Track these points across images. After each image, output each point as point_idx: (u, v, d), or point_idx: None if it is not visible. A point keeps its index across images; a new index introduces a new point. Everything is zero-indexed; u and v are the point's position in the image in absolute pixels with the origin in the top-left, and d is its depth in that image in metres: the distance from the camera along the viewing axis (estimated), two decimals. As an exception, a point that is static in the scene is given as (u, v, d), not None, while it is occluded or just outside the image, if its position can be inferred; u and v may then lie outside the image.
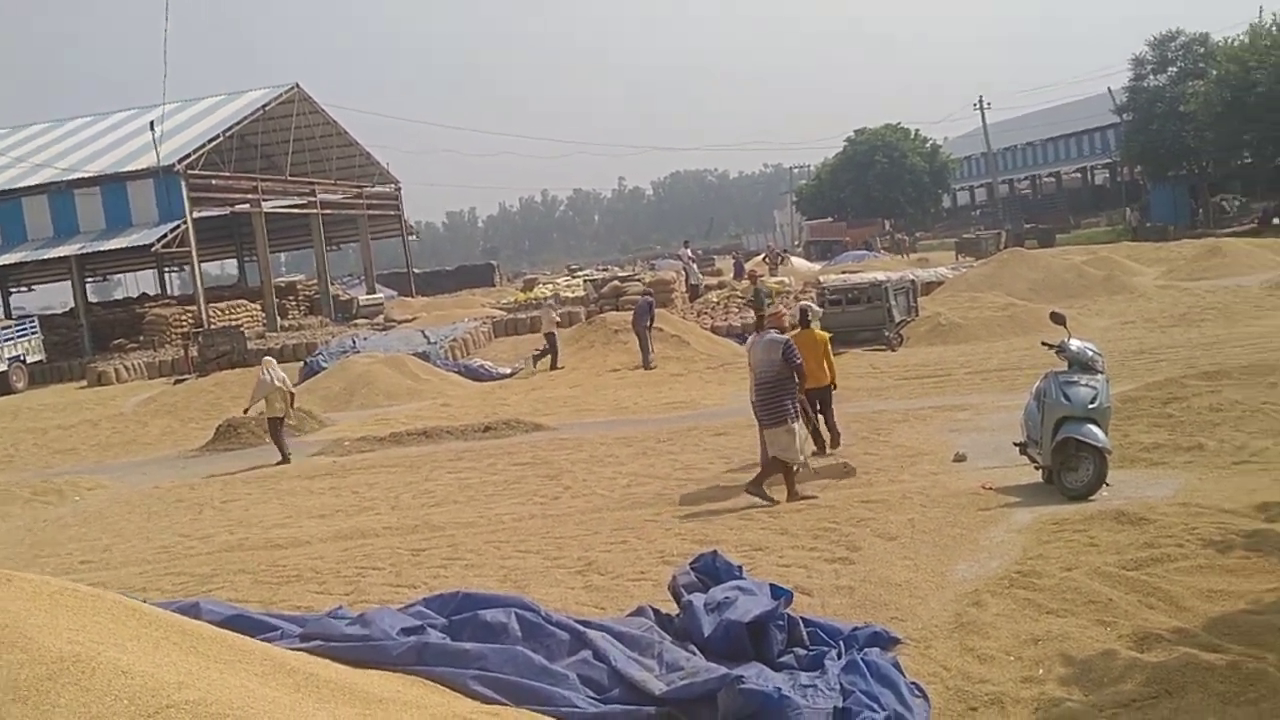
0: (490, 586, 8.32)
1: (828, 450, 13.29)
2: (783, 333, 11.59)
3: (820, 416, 13.36)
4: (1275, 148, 52.50)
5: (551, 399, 21.92)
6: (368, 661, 5.94)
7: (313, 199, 51.56)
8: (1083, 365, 10.29)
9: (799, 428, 11.25)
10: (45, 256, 43.66)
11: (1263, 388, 12.67)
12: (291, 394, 18.52)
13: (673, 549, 9.24)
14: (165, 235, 41.16)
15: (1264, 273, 29.81)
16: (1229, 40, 57.68)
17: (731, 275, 45.18)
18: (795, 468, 11.13)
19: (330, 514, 12.87)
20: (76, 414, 27.63)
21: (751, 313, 26.99)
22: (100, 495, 16.26)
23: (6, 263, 44.29)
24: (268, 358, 19.75)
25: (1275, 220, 50.64)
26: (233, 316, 43.07)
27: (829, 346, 13.81)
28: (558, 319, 29.00)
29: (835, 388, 13.84)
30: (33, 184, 43.79)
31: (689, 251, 50.04)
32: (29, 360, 36.82)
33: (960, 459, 11.93)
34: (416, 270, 68.17)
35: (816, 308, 16.40)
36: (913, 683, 5.97)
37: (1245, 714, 5.17)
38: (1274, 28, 52.95)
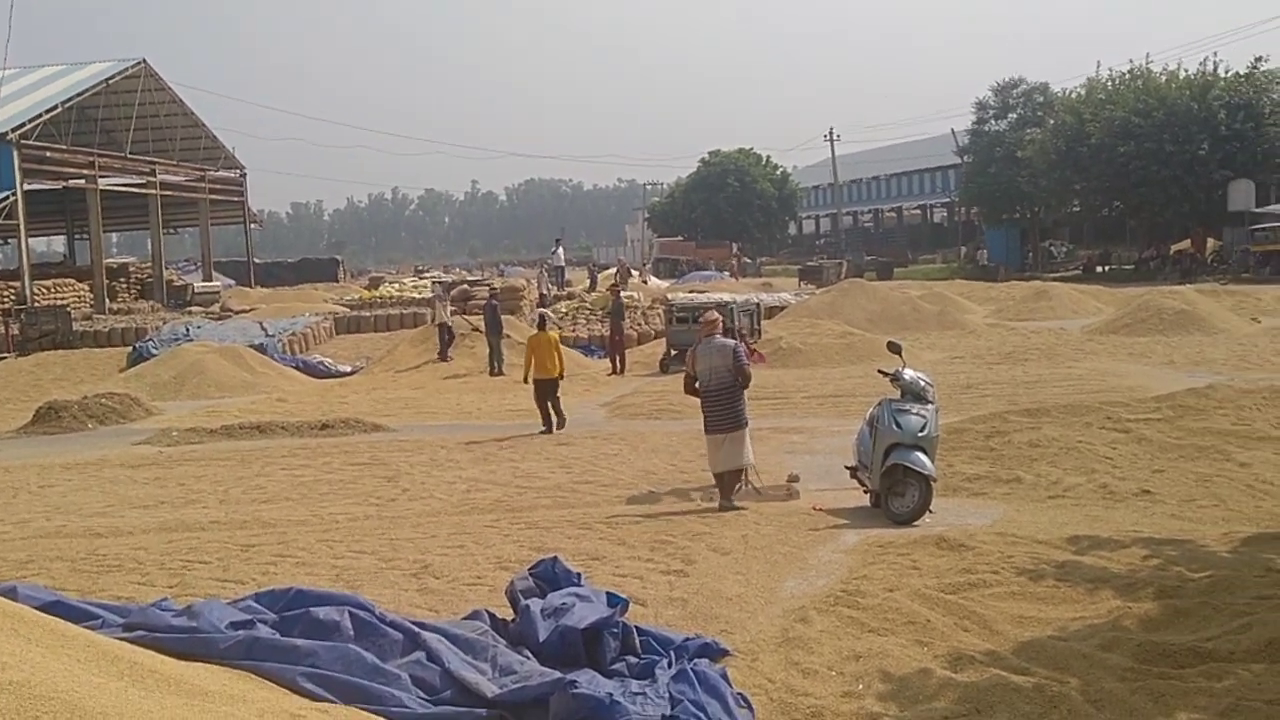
0: (322, 585, 8.17)
1: (554, 430, 16.65)
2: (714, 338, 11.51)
3: (549, 402, 16.85)
4: (1103, 199, 55.40)
5: (392, 400, 21.64)
6: (194, 654, 5.79)
7: (153, 179, 49.73)
8: (915, 394, 10.71)
9: (749, 432, 11.39)
10: None
11: (1079, 426, 13.37)
12: None
13: (510, 555, 9.25)
14: (-9, 206, 39.16)
15: (1086, 317, 31.45)
16: (1067, 91, 60.83)
17: (587, 287, 45.37)
18: (743, 477, 11.34)
19: (155, 505, 12.45)
20: (-120, 387, 26.03)
21: (607, 324, 27.17)
22: (-96, 474, 15.37)
23: None
24: None
25: (1099, 268, 53.43)
26: (59, 295, 41.21)
27: (559, 345, 17.57)
28: (452, 309, 28.57)
29: (563, 378, 17.35)
30: None
31: (562, 251, 50.01)
32: None
33: (794, 480, 12.23)
34: (257, 260, 66.25)
35: (551, 314, 21.23)
36: (739, 693, 6.13)
37: (1047, 734, 5.46)
38: (1109, 83, 55.94)
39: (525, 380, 17.54)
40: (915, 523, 10.10)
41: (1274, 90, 50.70)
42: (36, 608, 5.97)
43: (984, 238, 64.48)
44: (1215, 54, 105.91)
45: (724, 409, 11.22)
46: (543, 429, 16.82)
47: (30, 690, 3.67)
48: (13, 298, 39.12)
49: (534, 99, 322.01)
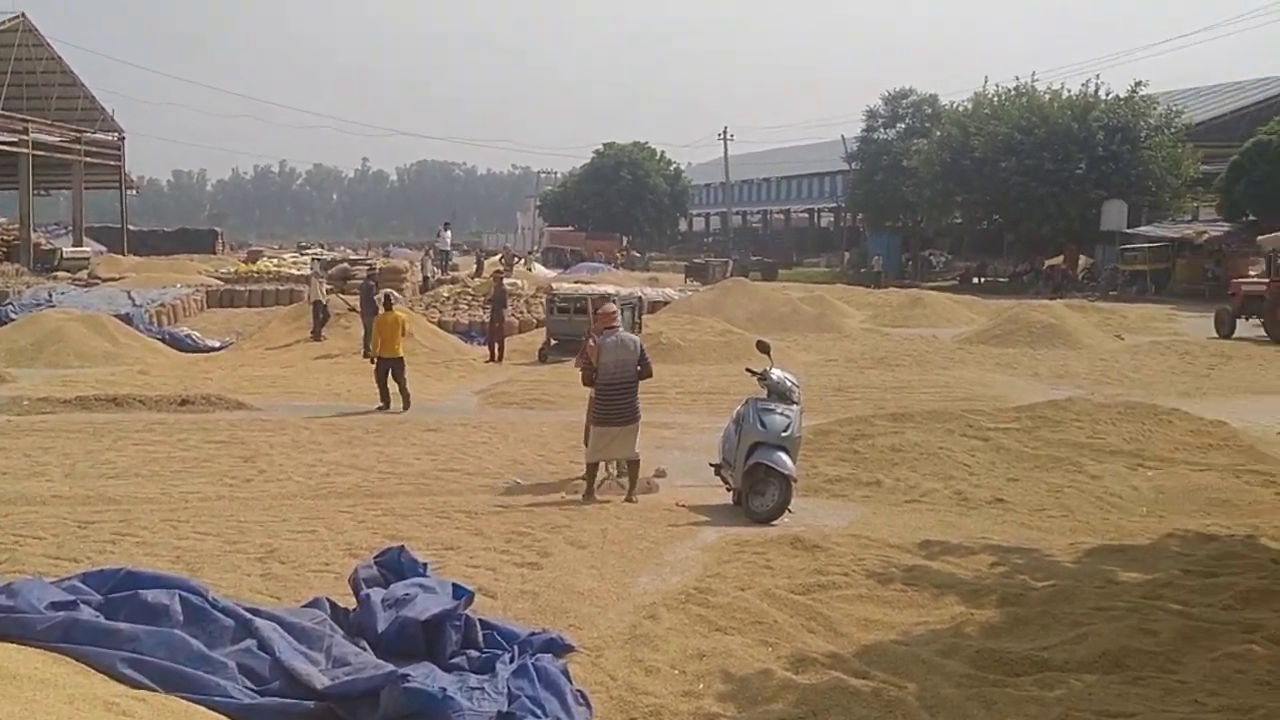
0: (161, 567, 7.88)
1: (390, 408, 17.21)
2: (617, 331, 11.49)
3: (395, 381, 17.43)
4: (983, 211, 56.74)
5: (260, 378, 21.09)
6: (9, 635, 5.51)
7: (24, 137, 47.74)
8: (781, 394, 10.78)
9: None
10: None
11: (941, 433, 13.62)
12: None
13: (362, 542, 9.05)
14: None
15: (959, 326, 32.15)
16: (955, 105, 62.17)
17: (473, 272, 44.88)
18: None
19: (-6, 476, 11.91)
20: None
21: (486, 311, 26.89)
22: None
23: None
24: None
25: (975, 279, 54.75)
26: (-87, 253, 39.33)
27: (405, 326, 18.25)
28: (328, 287, 27.90)
29: (403, 358, 17.89)
30: None
31: (449, 235, 49.34)
32: None
33: (660, 474, 12.24)
34: (132, 227, 64.13)
35: (396, 295, 21.41)
36: (578, 690, 6.06)
37: (882, 738, 5.50)
38: (996, 98, 57.33)
39: (368, 357, 18.78)
40: (774, 522, 10.17)
41: (1151, 115, 52.43)
42: None
43: (869, 244, 65.61)
44: (1098, 76, 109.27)
45: (623, 403, 11.18)
46: (380, 405, 17.36)
47: None
48: None
49: (428, 78, 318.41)
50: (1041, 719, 5.76)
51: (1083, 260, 51.09)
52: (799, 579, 8.13)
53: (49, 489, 11.28)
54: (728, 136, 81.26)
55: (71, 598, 6.05)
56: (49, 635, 5.54)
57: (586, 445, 11.53)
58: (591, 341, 11.34)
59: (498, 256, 52.50)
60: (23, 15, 47.17)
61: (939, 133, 58.86)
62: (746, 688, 6.11)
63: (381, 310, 18.57)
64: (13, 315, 26.76)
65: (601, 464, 11.52)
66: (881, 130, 67.44)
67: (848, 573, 8.25)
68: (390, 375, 17.53)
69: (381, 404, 17.43)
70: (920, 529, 9.89)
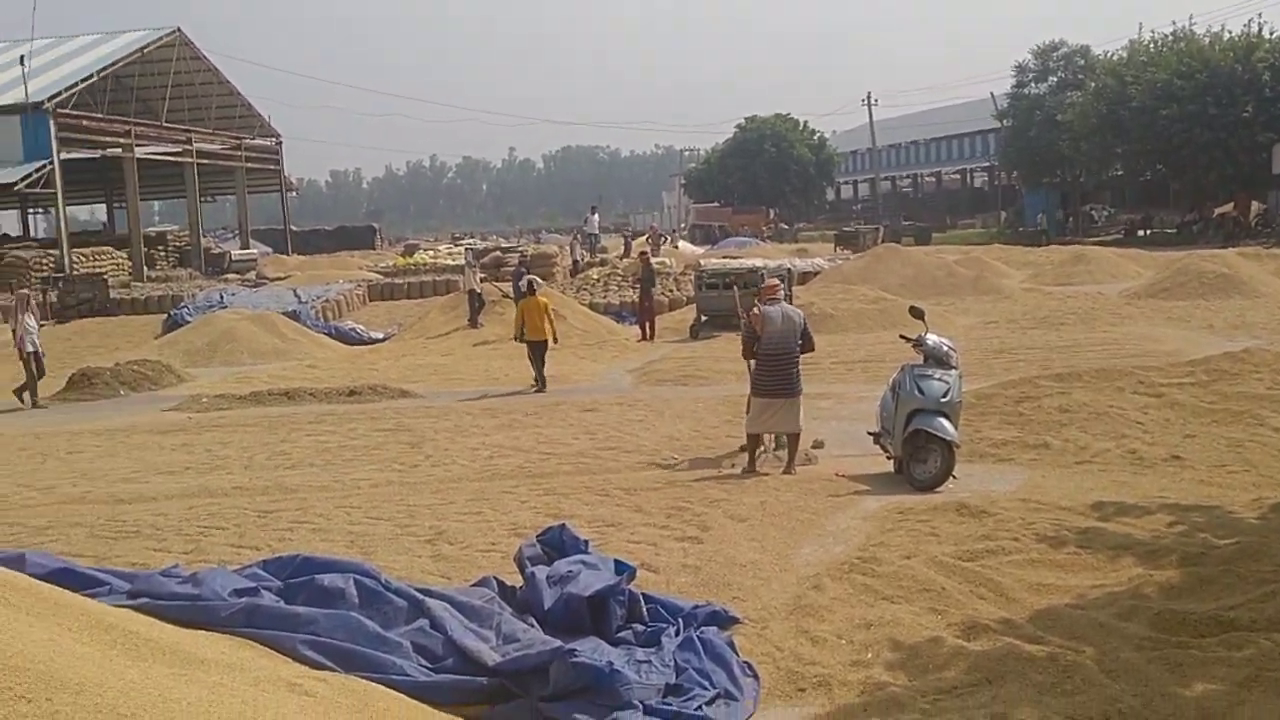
0: (336, 552, 8.17)
1: (536, 389, 17.78)
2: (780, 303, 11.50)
3: (534, 362, 18.07)
4: (1144, 162, 54.53)
5: (421, 366, 21.66)
6: (196, 622, 5.78)
7: (189, 147, 49.96)
8: (938, 360, 10.55)
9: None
10: (-102, 188, 41.52)
11: (1110, 391, 13.13)
12: None
13: (526, 522, 9.20)
14: (30, 175, 39.47)
15: (1125, 281, 30.97)
16: (1109, 54, 59.76)
17: (621, 253, 45.16)
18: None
19: (180, 470, 12.50)
20: (-79, 355, 26.39)
21: (635, 291, 27.02)
22: (-63, 440, 15.54)
23: None
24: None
25: (1140, 232, 52.63)
26: (97, 264, 41.57)
27: (549, 309, 18.58)
28: (482, 276, 28.54)
29: (556, 342, 18.83)
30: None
31: (597, 218, 49.77)
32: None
33: (818, 445, 12.10)
34: (295, 228, 66.63)
35: (540, 280, 21.67)
36: (745, 662, 6.05)
37: (1060, 704, 5.32)
38: (1151, 45, 54.91)
39: (516, 337, 18.92)
40: (937, 489, 9.96)
41: (1319, 53, 49.56)
42: (42, 576, 5.98)
43: (1026, 202, 63.62)
44: (1260, 16, 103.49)
45: (785, 374, 11.12)
46: (535, 384, 18.05)
47: (5, 662, 3.63)
48: (51, 266, 39.49)
49: (571, 65, 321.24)
50: (1230, 680, 5.49)
51: (1255, 206, 48.57)
52: (966, 545, 7.94)
53: (230, 481, 11.80)
54: (872, 101, 79.82)
55: (253, 584, 6.31)
56: (233, 621, 5.79)
57: (746, 414, 11.50)
58: (755, 310, 11.28)
59: (644, 236, 52.71)
60: (178, 30, 49.29)
61: (1093, 84, 56.70)
62: (916, 656, 6.00)
63: (525, 294, 19.21)
64: (188, 318, 28.00)
65: (765, 436, 11.45)
66: (1033, 85, 65.19)
67: (1017, 537, 8.01)
68: (536, 356, 18.25)
69: (535, 383, 18.07)
70: (1092, 490, 9.55)
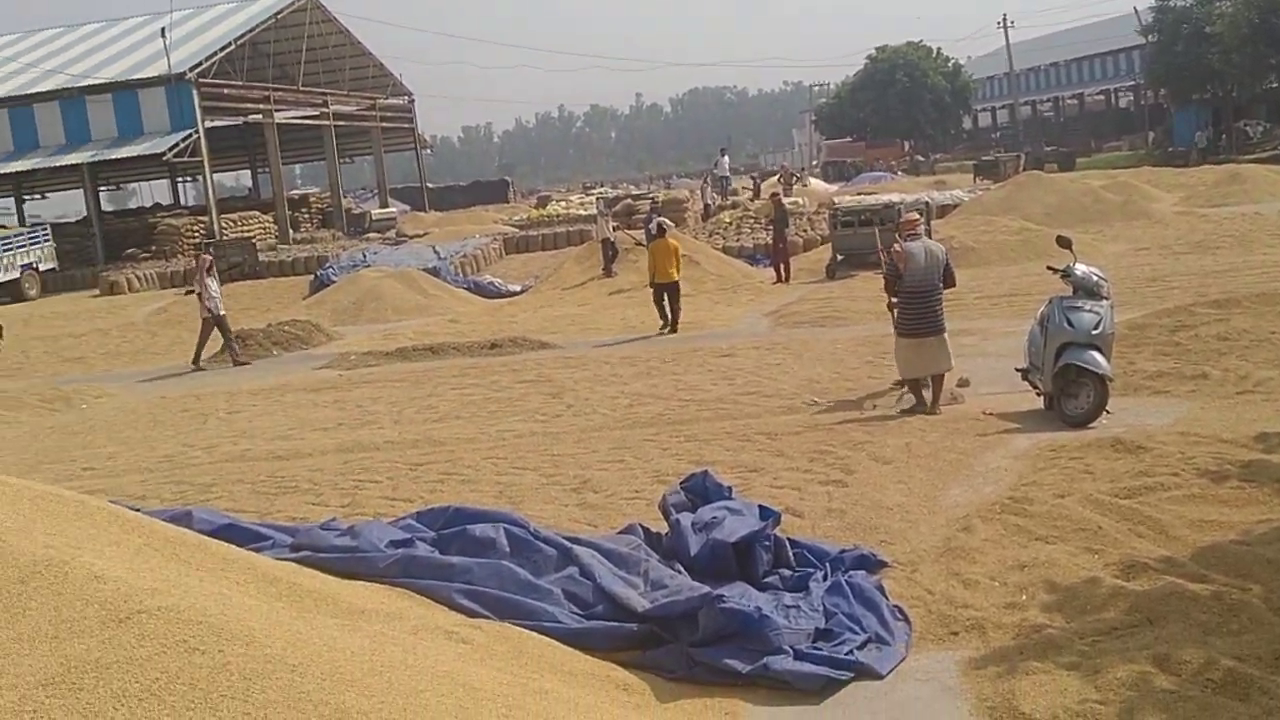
0: (485, 502, 8.35)
1: (665, 331, 18.33)
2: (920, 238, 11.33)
3: (669, 304, 18.52)
4: (1303, 72, 51.55)
5: (559, 317, 21.89)
6: (355, 573, 5.99)
7: (325, 110, 51.07)
8: (1088, 290, 10.19)
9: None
10: (57, 164, 43.42)
11: (1272, 316, 12.52)
12: None
13: (668, 469, 9.24)
14: (177, 144, 40.86)
15: (1284, 200, 29.43)
16: (1260, -41, 56.36)
17: (751, 195, 44.76)
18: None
19: (333, 427, 12.91)
20: (88, 323, 27.74)
21: (769, 233, 26.75)
22: (107, 404, 16.35)
23: (19, 169, 44.13)
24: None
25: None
26: (245, 228, 42.93)
27: (679, 252, 19.04)
28: (615, 225, 28.66)
29: (679, 282, 18.83)
30: (44, 90, 43.41)
31: (727, 160, 49.40)
32: (41, 268, 36.90)
33: (964, 384, 11.83)
34: (430, 185, 67.72)
35: (669, 222, 22.35)
36: (895, 606, 5.99)
37: (1226, 645, 5.15)
38: (1305, -52, 51.69)
39: (651, 283, 19.15)
40: (1091, 425, 9.65)
41: None
42: (210, 531, 6.26)
43: (1175, 120, 60.80)
44: None
45: (931, 311, 10.92)
46: (662, 327, 18.55)
47: (178, 615, 3.80)
48: (202, 232, 40.96)
49: (694, 4, 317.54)
50: None
51: None
52: (1123, 482, 7.69)
53: (381, 435, 12.14)
54: (1008, 23, 77.02)
55: (408, 536, 6.50)
56: (390, 572, 5.98)
57: (896, 359, 11.30)
58: (897, 247, 11.05)
59: (775, 177, 52.10)
60: (310, -6, 50.22)
61: (1244, -8, 53.63)
62: (1074, 597, 5.85)
63: (655, 237, 19.62)
64: (333, 278, 28.75)
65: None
66: (1178, -3, 62.02)
67: (1176, 473, 7.73)
68: (666, 298, 18.63)
69: (662, 326, 18.53)
70: (1256, 421, 9.12)
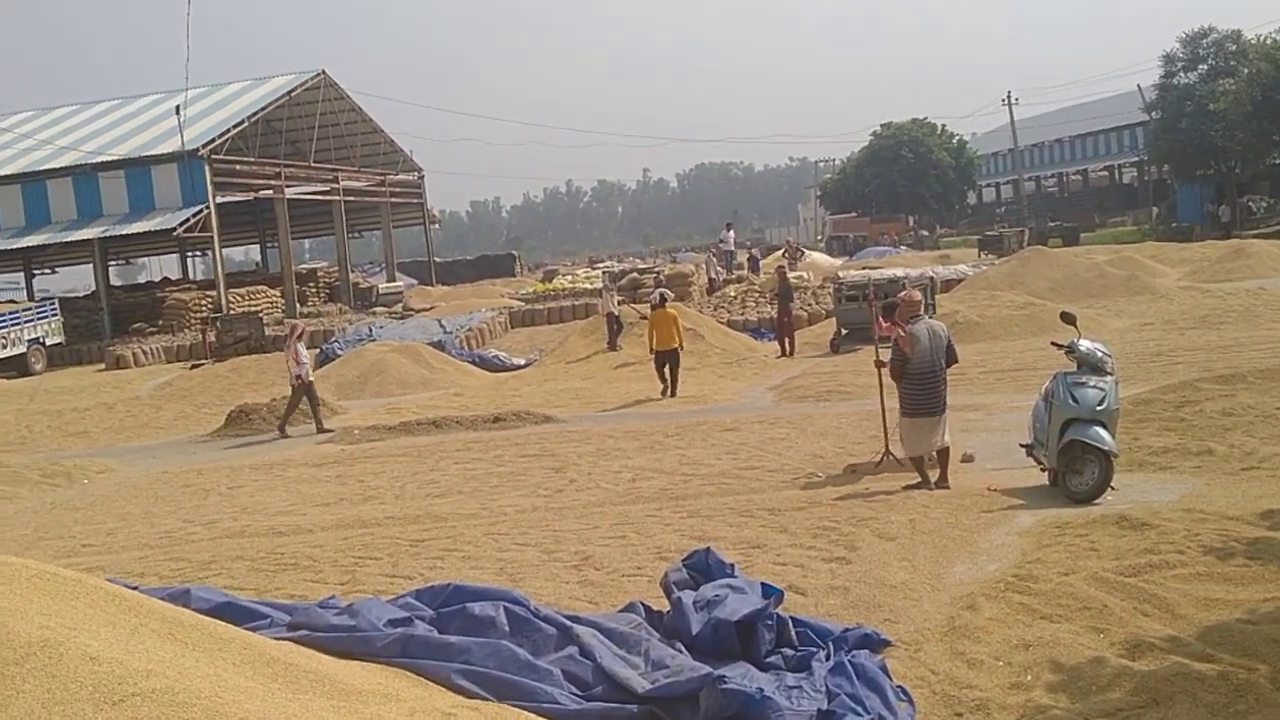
0: (486, 579, 8.30)
1: (666, 395, 19.39)
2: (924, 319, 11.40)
3: (669, 371, 19.66)
4: (1305, 149, 51.91)
5: (563, 390, 21.90)
6: (353, 652, 5.92)
7: (336, 186, 51.68)
8: (1092, 366, 10.20)
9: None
10: (68, 239, 43.92)
11: (1277, 392, 12.50)
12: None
13: (670, 545, 9.19)
14: (188, 220, 41.35)
15: (1288, 276, 29.51)
16: (1261, 38, 57.13)
17: (748, 270, 44.99)
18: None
19: (334, 502, 12.87)
20: (93, 397, 27.79)
21: (774, 306, 26.85)
22: (109, 479, 16.32)
23: (30, 244, 44.59)
24: None
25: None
26: (252, 302, 43.26)
27: (679, 321, 20.24)
28: (620, 299, 28.82)
29: (683, 348, 20.18)
30: (58, 166, 44.03)
31: (732, 235, 49.68)
32: (48, 342, 37.10)
33: (968, 459, 11.82)
34: (438, 259, 68.28)
35: (669, 293, 23.05)
36: (899, 686, 5.92)
37: (1234, 726, 5.08)
38: (1308, 26, 52.44)
39: (650, 351, 20.35)
40: (1095, 501, 9.61)
41: None
42: (207, 610, 6.21)
43: (1175, 196, 61.24)
44: None
45: (936, 392, 10.98)
46: (663, 392, 19.61)
47: (173, 697, 3.76)
48: (210, 306, 41.23)
49: (701, 83, 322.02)
50: None
51: None
52: (1128, 560, 7.63)
53: (382, 511, 12.09)
54: (1012, 100, 77.97)
55: (406, 614, 6.44)
56: (388, 651, 5.91)
57: (900, 438, 11.29)
58: (901, 332, 11.09)
59: (780, 251, 52.40)
60: (323, 73, 51.07)
61: (1246, 70, 54.24)
62: (1079, 677, 5.78)
63: (658, 306, 20.61)
64: (339, 351, 28.85)
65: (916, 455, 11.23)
66: (1182, 74, 62.72)
67: (1182, 550, 7.67)
68: (667, 366, 19.67)
69: (663, 391, 19.54)
70: (1262, 498, 9.07)
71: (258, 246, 69.29)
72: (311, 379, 19.61)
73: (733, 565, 7.10)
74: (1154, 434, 11.87)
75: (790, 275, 29.47)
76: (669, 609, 6.67)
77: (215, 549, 10.87)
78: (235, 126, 44.56)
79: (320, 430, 18.88)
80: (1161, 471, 10.66)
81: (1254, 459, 10.55)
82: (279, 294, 46.44)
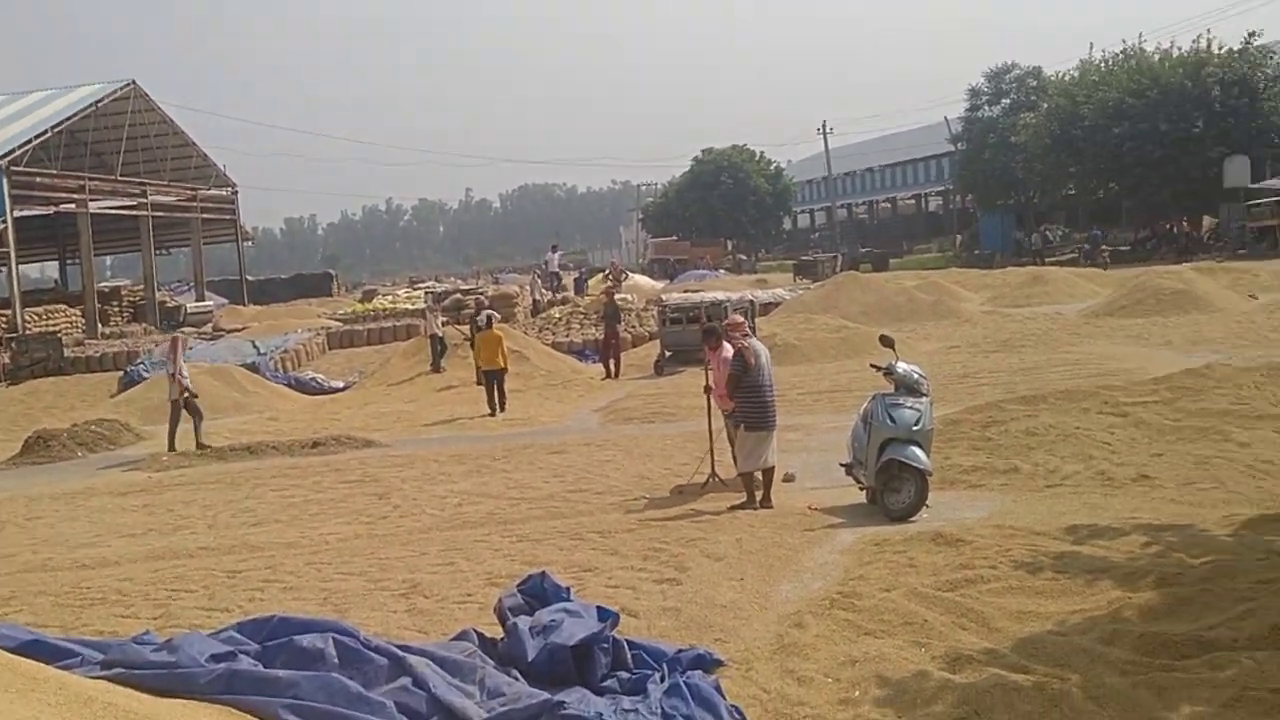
0: (309, 610, 8.05)
1: (494, 415, 19.75)
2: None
3: (495, 390, 20.18)
4: (1098, 181, 55.14)
5: (385, 413, 21.50)
6: (174, 691, 5.64)
7: (144, 200, 49.55)
8: (909, 388, 10.58)
9: None
10: None
11: (1076, 413, 13.21)
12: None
13: (501, 570, 9.10)
14: (-19, 234, 39.00)
15: (1083, 300, 31.29)
16: (1060, 75, 60.66)
17: (573, 291, 45.21)
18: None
19: (142, 533, 12.29)
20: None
21: (599, 328, 27.04)
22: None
23: None
24: None
25: (1103, 250, 53.23)
26: (50, 322, 41.00)
27: (504, 343, 20.89)
28: (444, 320, 28.38)
29: (506, 370, 20.65)
30: None
31: (557, 257, 49.70)
32: None
33: (789, 479, 12.09)
34: (251, 277, 66.08)
35: (496, 314, 23.64)
36: (733, 705, 5.98)
37: (1048, 734, 5.31)
38: (1102, 64, 55.83)
39: (477, 373, 21.40)
40: (912, 519, 9.96)
41: (1268, 65, 50.41)
42: (13, 649, 5.83)
43: (978, 225, 64.28)
44: (1209, 31, 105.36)
45: (773, 405, 11.32)
46: (487, 413, 19.99)
47: (-19, 744, 3.52)
48: (4, 326, 38.92)
49: (525, 105, 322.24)
50: (1216, 701, 5.52)
51: (1206, 221, 49.28)
52: (945, 575, 7.93)
53: (195, 541, 11.61)
54: (827, 130, 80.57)
55: (230, 649, 6.18)
56: (212, 688, 5.65)
57: (739, 454, 11.43)
58: (744, 344, 11.31)
59: (604, 273, 52.77)
60: (133, 83, 48.99)
61: (1046, 105, 57.51)
62: (904, 691, 5.96)
63: (483, 329, 21.30)
64: (145, 374, 27.52)
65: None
66: (986, 108, 66.14)
67: (994, 565, 8.02)
68: (494, 385, 20.18)
69: (489, 411, 19.91)
70: (1065, 513, 9.58)
71: (56, 263, 65.85)
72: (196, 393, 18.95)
73: (568, 589, 7.06)
74: (963, 453, 12.38)
75: (617, 297, 29.70)
76: (503, 636, 6.60)
77: (14, 584, 10.21)
78: (37, 137, 42.28)
79: (200, 449, 18.15)
80: (972, 489, 11.13)
81: (1056, 476, 11.13)
82: (79, 313, 44.16)
